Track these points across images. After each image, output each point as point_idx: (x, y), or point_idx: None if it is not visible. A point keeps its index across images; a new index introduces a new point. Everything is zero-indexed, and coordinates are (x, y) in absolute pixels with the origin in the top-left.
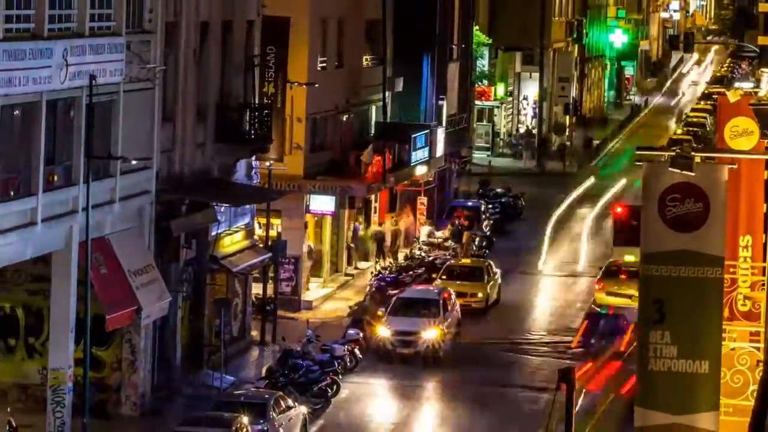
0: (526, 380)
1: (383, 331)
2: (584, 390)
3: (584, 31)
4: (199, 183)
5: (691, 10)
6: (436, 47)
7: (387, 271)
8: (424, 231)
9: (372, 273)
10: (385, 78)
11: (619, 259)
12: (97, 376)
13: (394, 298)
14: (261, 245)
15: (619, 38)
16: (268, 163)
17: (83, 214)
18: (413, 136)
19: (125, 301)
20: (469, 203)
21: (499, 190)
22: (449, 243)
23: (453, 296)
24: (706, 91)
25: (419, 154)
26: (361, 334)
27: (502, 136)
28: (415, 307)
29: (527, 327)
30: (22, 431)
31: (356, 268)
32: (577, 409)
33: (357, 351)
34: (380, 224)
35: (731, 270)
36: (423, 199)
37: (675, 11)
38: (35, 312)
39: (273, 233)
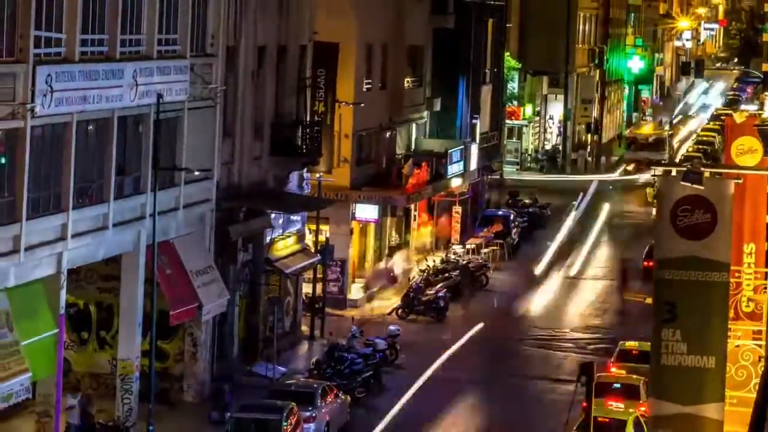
0: (551, 373)
1: None
2: None
3: (605, 57)
4: (255, 192)
5: (701, 39)
6: (471, 71)
7: (425, 274)
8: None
9: (409, 279)
10: (425, 98)
11: None
12: (162, 367)
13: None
14: (311, 249)
15: (636, 64)
16: (318, 175)
17: (150, 219)
18: (449, 151)
19: (188, 298)
20: (500, 213)
21: (526, 200)
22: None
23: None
24: (715, 113)
25: (455, 168)
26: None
27: (529, 152)
28: None
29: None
30: (95, 415)
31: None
32: None
33: (397, 345)
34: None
35: (736, 274)
36: (458, 209)
37: (687, 40)
38: (106, 308)
39: (322, 238)
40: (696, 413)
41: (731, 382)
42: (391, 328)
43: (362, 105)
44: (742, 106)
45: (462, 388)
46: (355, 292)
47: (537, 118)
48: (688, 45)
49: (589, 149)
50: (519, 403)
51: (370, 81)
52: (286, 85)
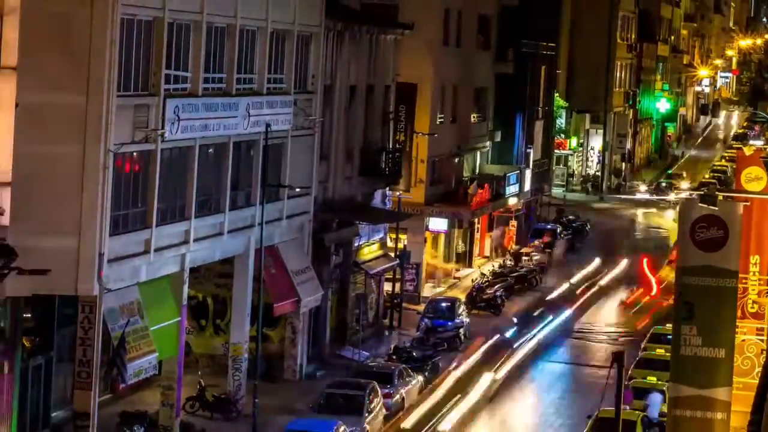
0: (588, 360)
1: None
2: None
3: (638, 99)
4: (346, 206)
5: (718, 85)
6: (526, 109)
7: (485, 278)
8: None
9: (473, 280)
10: (488, 131)
11: None
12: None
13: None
14: (391, 254)
15: (663, 105)
16: (398, 193)
17: (258, 227)
18: (507, 174)
19: (289, 293)
20: (548, 226)
21: (571, 217)
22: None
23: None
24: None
25: (511, 189)
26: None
27: (574, 177)
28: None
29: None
30: (209, 389)
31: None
32: None
33: (462, 335)
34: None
35: (744, 281)
36: (513, 223)
37: (706, 86)
38: (221, 300)
39: (400, 245)
40: (708, 395)
41: (738, 370)
42: (457, 320)
43: (436, 135)
44: (751, 141)
45: (511, 372)
46: (427, 290)
47: (580, 149)
48: (707, 90)
49: (623, 175)
50: (561, 385)
51: (442, 115)
52: (373, 118)
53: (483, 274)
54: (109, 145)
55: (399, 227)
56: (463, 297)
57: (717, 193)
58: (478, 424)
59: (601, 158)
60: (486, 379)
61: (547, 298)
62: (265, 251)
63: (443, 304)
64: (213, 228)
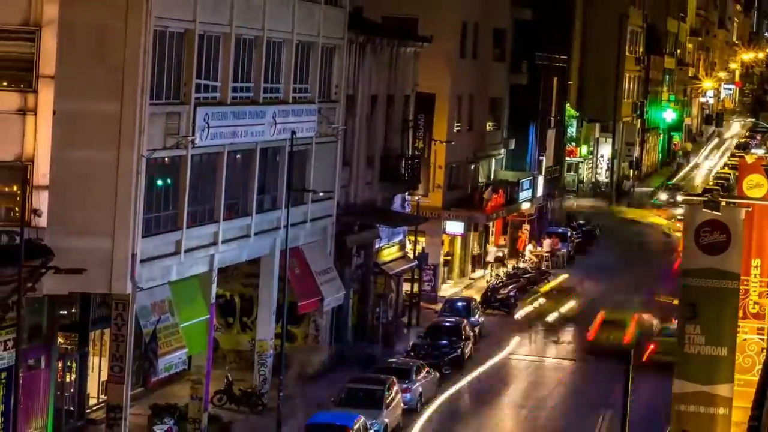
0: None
1: None
2: None
3: (645, 109)
4: (367, 210)
5: (721, 97)
6: (539, 118)
7: (499, 278)
8: (528, 248)
9: (487, 281)
10: (502, 138)
11: None
12: (291, 346)
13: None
14: (410, 256)
15: (670, 115)
16: (416, 197)
17: (284, 230)
18: (521, 180)
19: (312, 293)
20: (560, 230)
21: (581, 221)
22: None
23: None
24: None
25: (525, 194)
26: (482, 319)
27: (584, 182)
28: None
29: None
30: (236, 384)
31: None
32: None
33: (478, 332)
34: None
35: (745, 283)
36: (527, 226)
37: (710, 97)
38: (247, 298)
39: (419, 247)
40: (711, 391)
41: (739, 368)
42: (473, 319)
43: (453, 143)
44: (752, 150)
45: (528, 364)
46: (444, 290)
47: (590, 156)
48: (711, 101)
49: (631, 181)
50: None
51: (459, 124)
52: (393, 126)
53: (497, 275)
54: (142, 151)
55: (417, 230)
56: (478, 297)
57: (720, 198)
58: None
59: (610, 166)
60: None
61: None
62: (290, 252)
63: (459, 304)
64: (240, 230)
